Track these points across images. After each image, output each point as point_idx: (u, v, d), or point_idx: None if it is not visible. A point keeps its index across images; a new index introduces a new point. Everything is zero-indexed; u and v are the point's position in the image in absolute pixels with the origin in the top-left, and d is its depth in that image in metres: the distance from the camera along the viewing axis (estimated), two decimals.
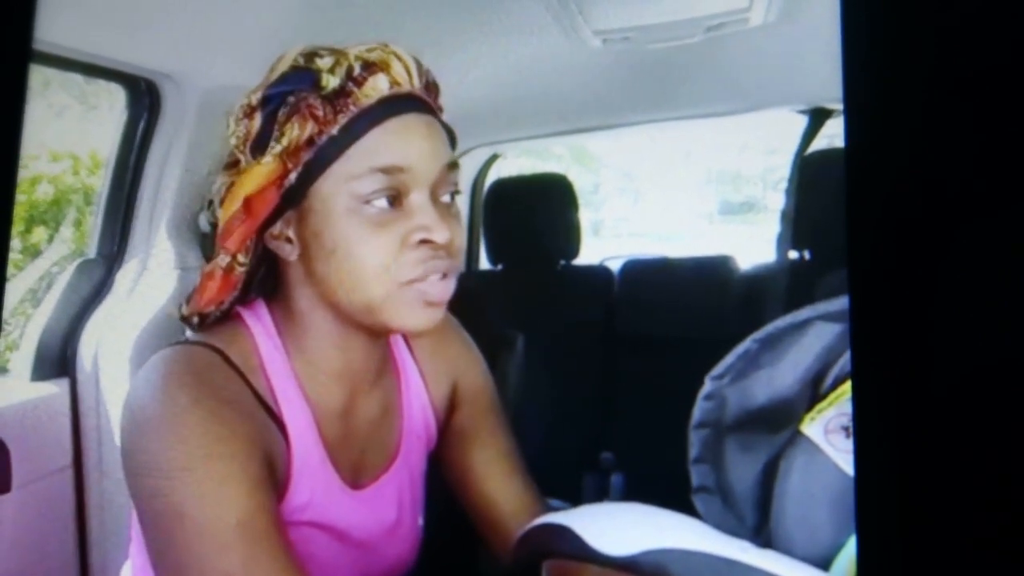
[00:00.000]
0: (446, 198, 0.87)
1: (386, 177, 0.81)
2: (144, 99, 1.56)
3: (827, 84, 2.00)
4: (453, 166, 0.87)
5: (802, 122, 2.26)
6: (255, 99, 0.84)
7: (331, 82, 0.82)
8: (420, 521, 1.03)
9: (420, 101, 0.86)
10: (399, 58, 0.85)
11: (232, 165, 0.87)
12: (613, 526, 0.62)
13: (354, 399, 0.94)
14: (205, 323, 0.90)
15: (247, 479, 0.77)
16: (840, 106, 0.64)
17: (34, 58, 0.72)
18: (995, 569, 0.59)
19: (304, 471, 0.87)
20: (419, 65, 0.87)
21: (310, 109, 0.81)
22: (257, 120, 0.84)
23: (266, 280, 0.93)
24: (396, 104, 0.83)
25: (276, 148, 0.82)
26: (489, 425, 1.05)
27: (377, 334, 0.92)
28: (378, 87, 0.82)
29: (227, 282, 0.88)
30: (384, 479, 0.97)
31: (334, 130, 0.81)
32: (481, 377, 1.08)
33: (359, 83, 0.82)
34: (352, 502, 0.92)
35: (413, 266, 0.82)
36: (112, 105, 1.59)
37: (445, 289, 0.86)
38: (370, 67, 0.83)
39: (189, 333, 0.91)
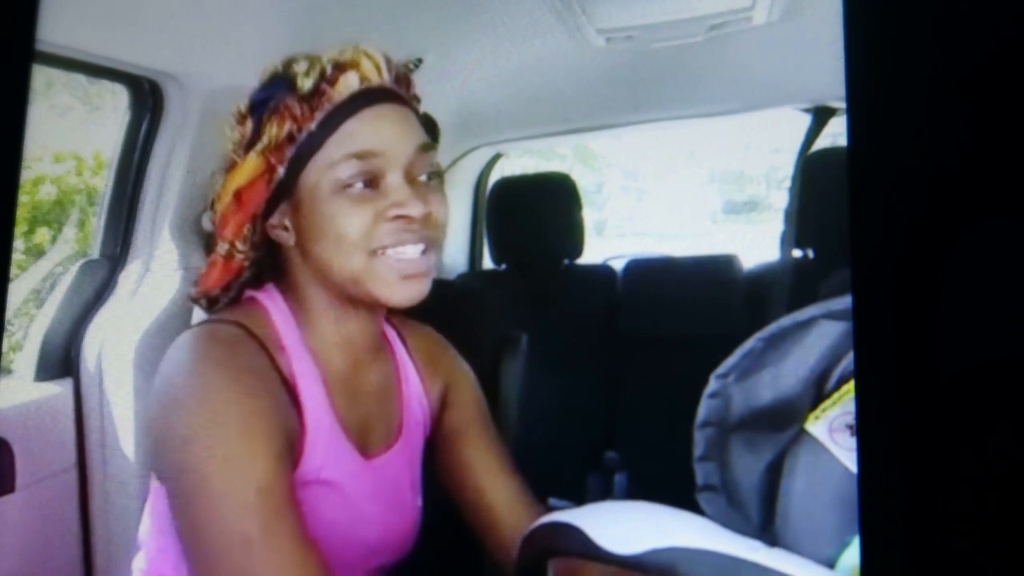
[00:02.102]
0: (423, 178, 0.95)
1: (361, 162, 0.91)
2: (147, 100, 1.56)
3: (830, 83, 2.00)
4: (426, 147, 0.95)
5: (805, 121, 2.26)
6: (243, 107, 0.96)
7: (306, 84, 0.91)
8: (419, 502, 1.08)
9: (391, 93, 0.95)
10: (368, 56, 0.94)
11: (230, 168, 0.97)
12: (620, 524, 0.62)
13: (358, 368, 1.02)
14: (214, 306, 1.01)
15: (271, 453, 0.85)
16: (843, 105, 0.64)
17: (37, 59, 0.73)
18: (997, 566, 0.59)
19: (318, 437, 0.94)
20: (388, 61, 0.96)
21: (288, 109, 0.91)
22: (249, 125, 0.94)
23: (272, 266, 1.01)
24: (367, 96, 0.93)
25: (258, 146, 0.93)
26: (479, 426, 1.11)
27: (370, 309, 1.00)
28: (349, 83, 0.92)
29: (228, 268, 0.98)
30: (389, 454, 1.03)
31: (312, 125, 0.91)
32: (472, 386, 1.15)
33: (332, 82, 0.92)
34: (363, 469, 0.99)
35: (384, 235, 0.91)
36: (115, 106, 1.59)
37: (423, 262, 0.94)
38: (341, 67, 0.93)
39: (211, 316, 1.00)
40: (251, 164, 0.93)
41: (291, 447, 0.91)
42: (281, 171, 0.92)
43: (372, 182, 0.92)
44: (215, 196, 0.97)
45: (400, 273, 0.92)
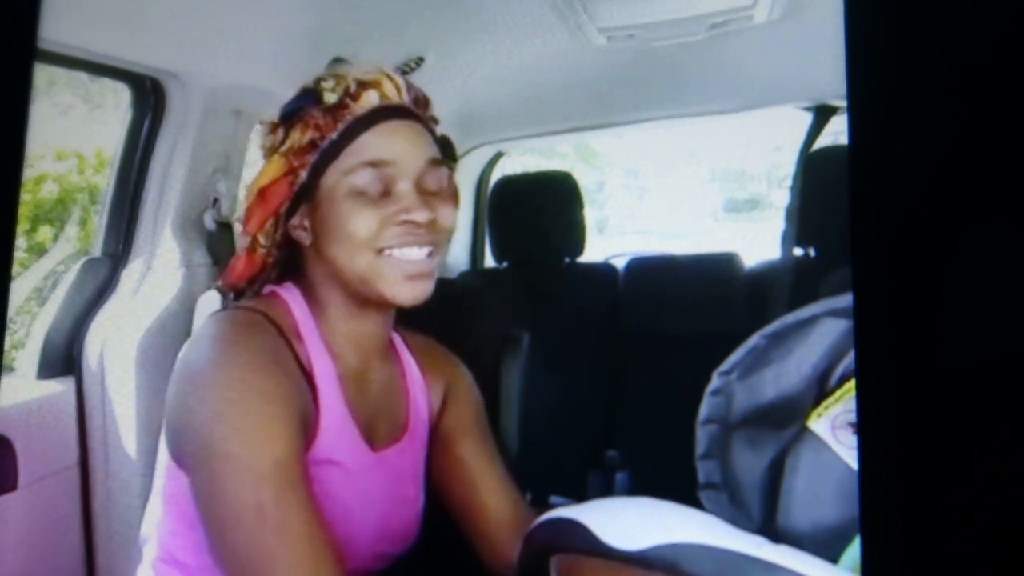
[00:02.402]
0: (433, 188, 1.01)
1: (375, 170, 0.98)
2: (149, 98, 1.56)
3: (831, 81, 2.00)
4: (436, 162, 1.02)
5: (807, 119, 2.25)
6: (276, 117, 1.03)
7: (331, 98, 0.99)
8: (422, 498, 1.12)
9: (407, 111, 1.03)
10: (390, 78, 1.02)
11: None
12: (624, 520, 0.62)
13: (368, 365, 1.08)
14: (240, 299, 1.08)
15: (288, 432, 0.91)
16: (844, 103, 0.64)
17: (39, 57, 0.73)
18: (997, 564, 0.59)
19: (331, 424, 1.00)
20: (409, 85, 1.04)
21: (311, 119, 0.99)
22: (280, 133, 1.02)
23: (291, 264, 1.07)
24: (385, 112, 1.00)
25: (283, 149, 1.01)
26: (477, 429, 1.16)
27: (380, 309, 1.05)
28: (370, 100, 1.00)
29: (251, 261, 1.06)
30: (395, 449, 1.08)
31: (334, 135, 0.99)
32: (472, 390, 1.19)
33: (354, 97, 1.00)
34: (370, 460, 1.04)
35: (391, 237, 0.98)
36: (117, 104, 1.59)
37: (427, 263, 1.00)
38: (364, 84, 1.00)
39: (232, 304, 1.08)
40: (275, 165, 1.01)
41: (306, 430, 0.96)
42: (303, 175, 1.00)
43: (384, 189, 0.98)
44: (245, 195, 1.04)
45: (405, 273, 0.98)
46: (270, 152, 1.03)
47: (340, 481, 1.00)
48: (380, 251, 0.98)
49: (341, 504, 1.00)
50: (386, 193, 0.98)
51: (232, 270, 1.07)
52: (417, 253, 0.99)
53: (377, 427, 1.07)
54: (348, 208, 0.98)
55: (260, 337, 0.97)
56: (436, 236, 1.00)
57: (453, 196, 1.04)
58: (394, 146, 0.99)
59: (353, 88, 1.00)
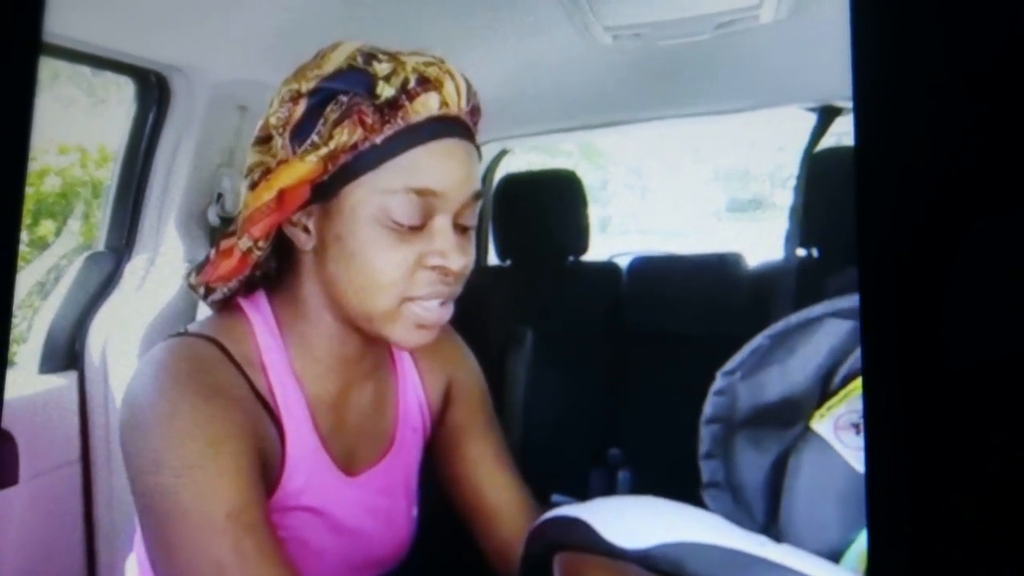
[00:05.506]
0: (467, 224, 0.89)
1: (419, 199, 0.84)
2: (153, 92, 1.56)
3: (837, 82, 2.00)
4: (479, 196, 0.89)
5: (811, 120, 2.25)
6: (305, 87, 0.85)
7: (386, 91, 0.83)
8: (414, 511, 1.05)
9: (464, 126, 0.88)
10: (453, 78, 0.87)
11: (264, 140, 0.88)
12: (628, 519, 0.61)
13: (348, 389, 0.97)
14: (210, 296, 0.94)
15: (243, 475, 0.81)
16: (850, 104, 0.64)
17: (43, 51, 0.72)
18: (1003, 565, 0.59)
19: (298, 460, 0.91)
20: (469, 87, 0.89)
21: (361, 116, 0.83)
22: (301, 107, 0.85)
23: (271, 260, 0.95)
24: (442, 126, 0.85)
25: (322, 150, 0.84)
26: (482, 423, 1.08)
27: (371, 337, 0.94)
28: (429, 105, 0.84)
29: (242, 263, 0.90)
30: (379, 467, 1.00)
31: (378, 139, 0.83)
32: (475, 378, 1.11)
33: (412, 97, 0.84)
34: (346, 488, 0.95)
35: (420, 285, 0.86)
36: (121, 98, 1.59)
37: (442, 315, 0.89)
38: (425, 83, 0.85)
39: (191, 325, 0.95)
40: (308, 167, 0.84)
41: (267, 468, 0.87)
42: (326, 176, 0.85)
43: (421, 223, 0.85)
44: (251, 181, 0.89)
45: (419, 323, 0.87)
46: (284, 128, 0.85)
47: (315, 523, 0.93)
48: (403, 299, 0.86)
49: (321, 545, 0.93)
50: (420, 225, 0.85)
51: (215, 268, 0.91)
52: (436, 303, 0.87)
53: (358, 448, 0.98)
54: (376, 238, 0.84)
55: (210, 371, 0.86)
56: (459, 286, 0.89)
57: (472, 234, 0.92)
58: (446, 174, 0.85)
59: (412, 84, 0.84)
